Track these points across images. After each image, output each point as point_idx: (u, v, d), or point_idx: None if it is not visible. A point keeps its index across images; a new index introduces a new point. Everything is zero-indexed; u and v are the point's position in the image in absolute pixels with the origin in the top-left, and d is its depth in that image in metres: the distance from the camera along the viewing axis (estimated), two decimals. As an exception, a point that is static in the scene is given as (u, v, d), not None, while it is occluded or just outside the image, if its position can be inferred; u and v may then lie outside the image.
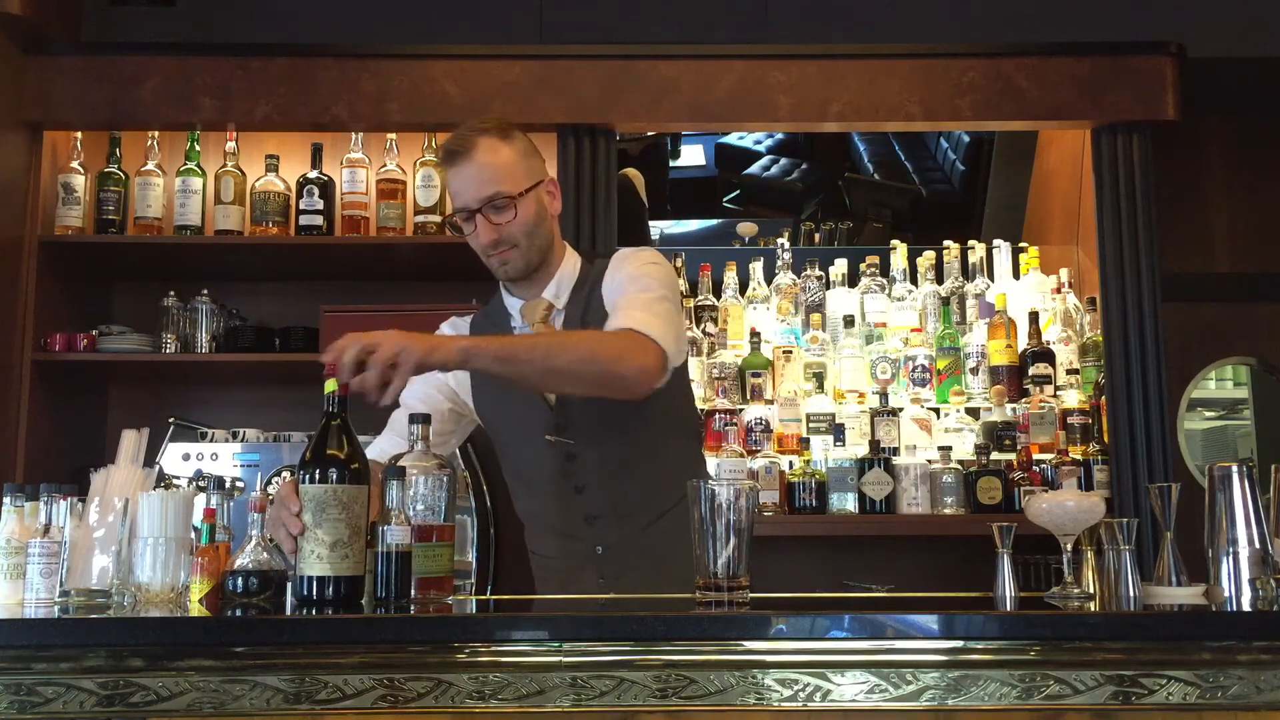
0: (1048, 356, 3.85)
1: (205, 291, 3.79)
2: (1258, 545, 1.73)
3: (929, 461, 3.70)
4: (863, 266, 4.02)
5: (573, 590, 2.16)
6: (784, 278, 4.01)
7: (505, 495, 2.39)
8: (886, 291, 3.98)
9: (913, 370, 3.83)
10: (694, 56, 3.77)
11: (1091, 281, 3.89)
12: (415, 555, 1.72)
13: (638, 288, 2.11)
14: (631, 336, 2.01)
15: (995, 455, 3.75)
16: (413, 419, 1.86)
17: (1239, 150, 4.34)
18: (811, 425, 3.78)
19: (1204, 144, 4.30)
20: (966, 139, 5.91)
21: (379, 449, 2.12)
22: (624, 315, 2.05)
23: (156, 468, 2.32)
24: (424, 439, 1.85)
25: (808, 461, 3.73)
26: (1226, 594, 1.72)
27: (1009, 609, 1.69)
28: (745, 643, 1.48)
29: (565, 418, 2.15)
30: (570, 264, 2.23)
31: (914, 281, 4.04)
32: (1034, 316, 3.90)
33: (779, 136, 7.24)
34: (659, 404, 2.11)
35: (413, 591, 1.71)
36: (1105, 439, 3.71)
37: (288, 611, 1.65)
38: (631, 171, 5.05)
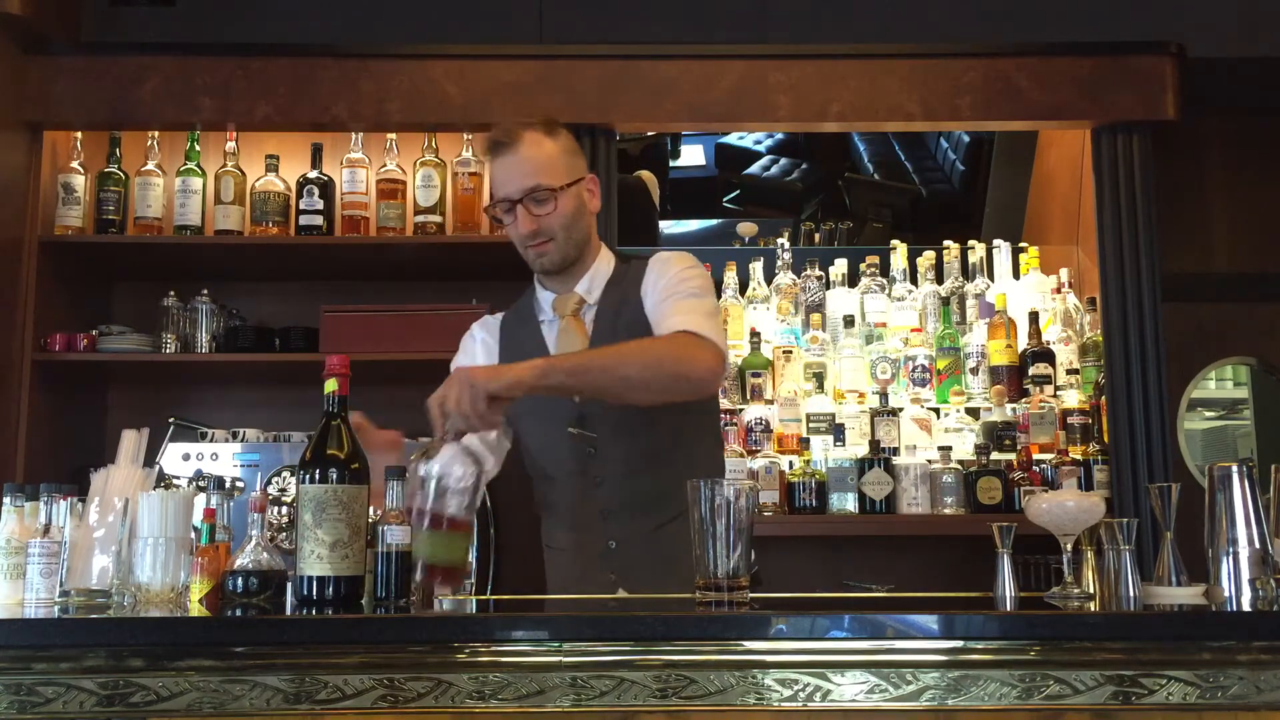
0: (1048, 356, 3.85)
1: (205, 291, 3.79)
2: (1258, 545, 1.73)
3: (929, 461, 3.70)
4: (863, 266, 4.02)
5: (582, 585, 2.17)
6: (784, 278, 4.01)
7: (506, 495, 2.40)
8: (886, 291, 3.98)
9: (913, 370, 3.83)
10: (694, 56, 3.77)
11: (1091, 281, 3.89)
12: (429, 541, 1.74)
13: (684, 292, 2.17)
14: (692, 339, 2.07)
15: (995, 455, 3.75)
16: None
17: (1239, 150, 4.33)
18: (811, 425, 3.78)
19: (1204, 144, 4.30)
20: (966, 139, 5.92)
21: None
22: (679, 319, 2.11)
23: (156, 468, 2.32)
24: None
25: (808, 461, 3.73)
26: (1226, 594, 1.72)
27: (1009, 609, 1.69)
28: (745, 643, 1.48)
29: (589, 411, 2.17)
30: (605, 262, 2.27)
31: (914, 281, 4.03)
32: (1034, 316, 3.90)
33: (779, 136, 7.25)
34: (686, 404, 2.14)
35: (418, 576, 1.73)
36: (1105, 439, 3.71)
37: (288, 611, 1.65)
38: (646, 174, 5.06)
